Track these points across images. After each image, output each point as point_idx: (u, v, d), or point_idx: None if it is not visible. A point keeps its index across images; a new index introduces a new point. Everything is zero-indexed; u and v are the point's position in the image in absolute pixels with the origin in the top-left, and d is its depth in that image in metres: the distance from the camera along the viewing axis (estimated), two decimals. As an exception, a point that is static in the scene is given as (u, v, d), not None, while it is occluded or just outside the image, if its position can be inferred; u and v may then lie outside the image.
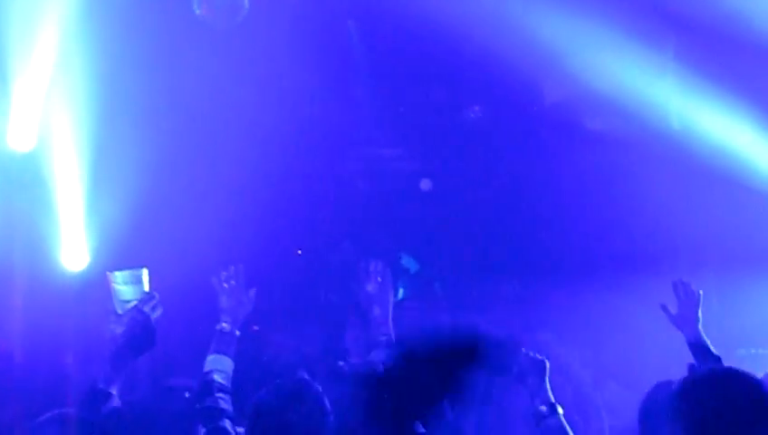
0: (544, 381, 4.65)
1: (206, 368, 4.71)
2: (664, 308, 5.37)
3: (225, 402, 4.60)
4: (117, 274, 3.85)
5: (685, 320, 5.31)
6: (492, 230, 9.38)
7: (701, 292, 5.34)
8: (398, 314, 8.52)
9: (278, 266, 9.15)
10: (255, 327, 8.39)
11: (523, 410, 4.81)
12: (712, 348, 5.23)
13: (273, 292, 8.80)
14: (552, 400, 4.55)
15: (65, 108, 7.10)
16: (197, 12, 7.58)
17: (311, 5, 8.38)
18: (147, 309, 3.82)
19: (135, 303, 3.85)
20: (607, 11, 8.05)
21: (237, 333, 4.83)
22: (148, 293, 3.86)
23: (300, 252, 9.40)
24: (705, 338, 5.27)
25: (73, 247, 7.48)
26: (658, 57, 8.63)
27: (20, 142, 7.37)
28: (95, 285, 7.36)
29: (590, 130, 8.73)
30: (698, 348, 5.21)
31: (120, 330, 3.79)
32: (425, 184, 9.48)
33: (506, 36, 8.14)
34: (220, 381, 4.65)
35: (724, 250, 8.22)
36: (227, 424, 4.52)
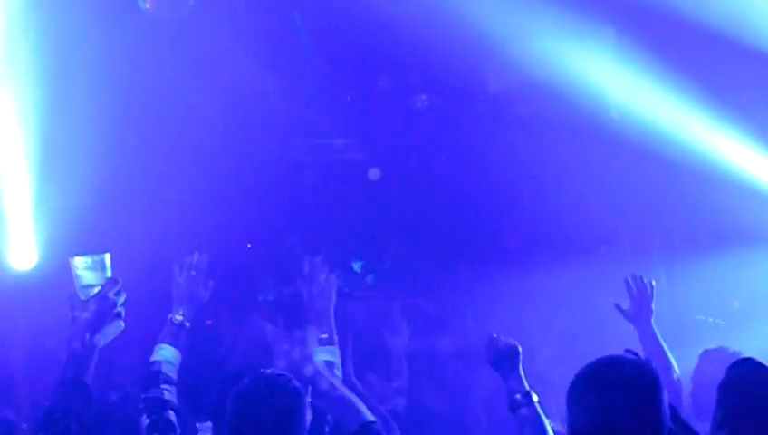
0: (518, 368, 4.72)
1: (153, 358, 4.70)
2: (617, 307, 5.47)
3: (169, 394, 4.58)
4: (79, 259, 3.81)
5: (637, 314, 5.39)
6: (440, 218, 9.44)
7: (653, 283, 5.42)
8: (349, 304, 8.64)
9: (225, 259, 9.11)
10: (208, 322, 8.38)
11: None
12: (662, 342, 5.36)
13: (220, 285, 8.76)
14: (527, 388, 4.60)
15: (10, 102, 7.00)
16: (143, 6, 7.53)
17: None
18: (111, 295, 3.74)
19: (98, 289, 3.79)
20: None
21: (188, 324, 4.81)
22: (111, 278, 3.81)
23: (249, 245, 9.37)
24: (657, 332, 5.38)
25: (21, 246, 7.39)
26: (599, 44, 8.74)
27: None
28: (44, 283, 7.34)
29: (534, 118, 8.81)
30: (648, 339, 5.31)
31: (85, 316, 3.69)
32: (373, 173, 9.49)
33: (450, 24, 8.18)
34: (166, 372, 4.63)
35: (668, 232, 8.39)
36: (171, 415, 4.51)
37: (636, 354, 4.42)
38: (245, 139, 9.05)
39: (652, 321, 5.39)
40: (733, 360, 3.88)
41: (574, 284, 8.23)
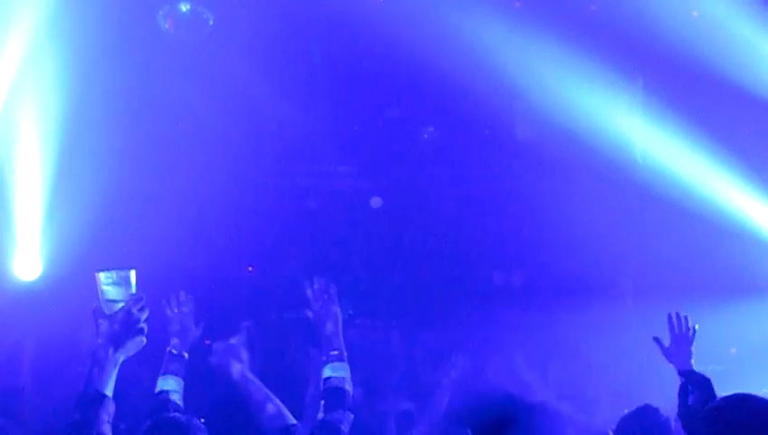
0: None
1: (159, 388, 4.87)
2: (657, 341, 5.35)
3: None
4: (103, 274, 3.86)
5: (677, 354, 5.28)
6: (440, 250, 9.49)
7: (696, 326, 5.36)
8: (349, 332, 8.67)
9: (227, 281, 9.16)
10: (207, 341, 8.39)
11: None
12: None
13: (220, 307, 8.81)
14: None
15: (27, 114, 7.07)
16: (163, 26, 7.62)
17: (272, 21, 8.43)
18: (135, 311, 3.80)
19: (122, 304, 3.85)
20: (578, 46, 8.24)
21: (186, 355, 5.00)
22: (135, 294, 3.87)
23: (251, 269, 9.41)
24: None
25: (28, 256, 7.44)
26: (627, 93, 8.84)
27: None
28: (49, 294, 7.38)
29: (546, 156, 8.88)
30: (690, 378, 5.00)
31: (110, 330, 3.73)
32: (375, 202, 9.55)
33: (464, 60, 8.28)
34: (176, 400, 4.82)
35: (677, 278, 8.41)
36: None
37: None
38: (251, 162, 9.12)
39: (692, 363, 5.27)
40: None
41: (575, 327, 8.27)
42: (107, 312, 3.77)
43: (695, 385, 4.87)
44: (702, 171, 8.39)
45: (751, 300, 8.01)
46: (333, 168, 9.78)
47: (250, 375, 4.77)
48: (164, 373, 4.92)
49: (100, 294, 3.82)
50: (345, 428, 4.58)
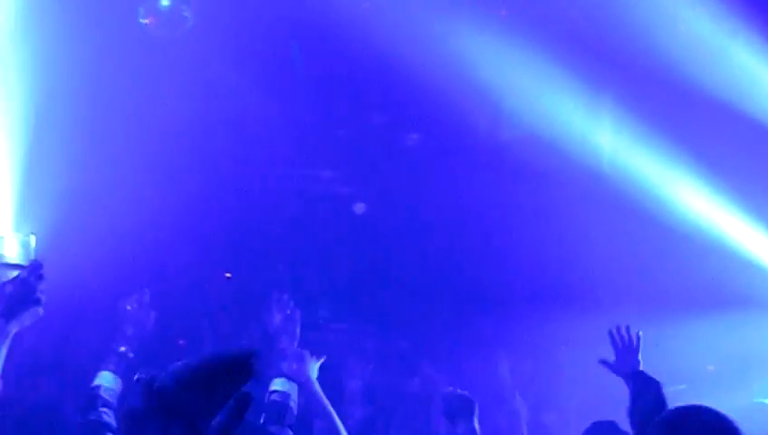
0: (472, 420, 4.76)
1: (95, 383, 4.77)
2: (602, 362, 5.13)
3: (108, 417, 4.63)
4: (1, 236, 3.65)
5: (625, 365, 5.06)
6: (422, 256, 9.45)
7: (641, 333, 5.14)
8: (324, 336, 8.62)
9: (206, 285, 9.12)
10: (181, 342, 8.35)
11: None
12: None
13: (199, 313, 8.77)
14: None
15: (1, 107, 7.02)
16: (142, 21, 7.59)
17: (255, 23, 8.41)
18: (32, 279, 3.52)
19: (19, 270, 3.61)
20: (548, 56, 8.24)
21: (131, 355, 4.88)
22: (35, 260, 3.63)
23: (229, 275, 9.34)
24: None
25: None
26: (594, 101, 8.84)
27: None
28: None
29: (524, 164, 8.87)
30: (638, 392, 4.89)
31: (0, 297, 3.47)
32: (359, 208, 9.52)
33: (448, 70, 8.27)
34: (105, 396, 4.69)
35: (646, 288, 8.39)
36: None
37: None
38: (233, 164, 9.09)
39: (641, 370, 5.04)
40: None
41: (550, 334, 8.23)
42: (2, 279, 3.55)
43: (643, 386, 4.80)
44: (674, 181, 8.37)
45: (726, 313, 7.95)
46: (317, 172, 9.75)
47: (316, 385, 4.76)
48: (104, 369, 4.80)
49: None
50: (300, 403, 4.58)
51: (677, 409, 3.45)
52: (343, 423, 6.20)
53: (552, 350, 8.37)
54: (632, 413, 4.62)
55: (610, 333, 5.15)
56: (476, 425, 4.79)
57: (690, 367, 8.12)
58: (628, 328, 5.13)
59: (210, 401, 2.22)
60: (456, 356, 8.32)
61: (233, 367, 2.30)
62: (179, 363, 2.57)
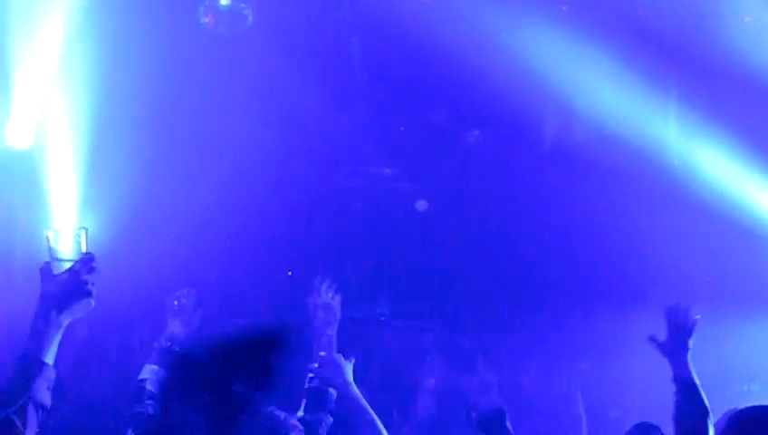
0: (506, 429, 4.71)
1: (141, 376, 4.88)
2: (651, 339, 4.90)
3: (153, 409, 4.70)
4: (53, 231, 3.66)
5: (674, 349, 4.83)
6: (484, 253, 9.38)
7: (698, 317, 4.88)
8: (385, 333, 8.62)
9: (270, 283, 9.17)
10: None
11: None
12: (697, 381, 4.78)
13: (259, 308, 8.83)
14: None
15: (65, 107, 7.15)
16: (203, 20, 7.65)
17: (315, 21, 8.44)
18: (84, 272, 3.48)
19: (71, 264, 3.50)
20: (613, 51, 8.12)
21: (177, 349, 4.94)
22: (86, 253, 3.54)
23: (290, 273, 9.38)
24: (693, 370, 4.81)
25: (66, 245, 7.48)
26: (661, 97, 8.69)
27: (19, 139, 7.43)
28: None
29: (588, 162, 8.75)
30: (682, 382, 4.75)
31: (54, 291, 3.41)
32: (421, 205, 9.49)
33: (510, 64, 8.20)
34: (151, 389, 4.78)
35: (715, 287, 8.22)
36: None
37: None
38: (296, 162, 9.12)
39: (689, 358, 4.80)
40: None
41: (618, 332, 8.11)
42: (55, 272, 3.49)
43: (686, 392, 4.62)
44: (739, 179, 8.19)
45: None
46: (379, 170, 9.74)
47: (353, 387, 4.74)
48: (151, 362, 4.93)
49: (49, 253, 3.62)
50: (323, 430, 4.59)
51: (754, 407, 3.33)
52: (407, 421, 6.22)
53: (619, 348, 8.25)
54: (676, 419, 4.50)
55: (667, 310, 4.90)
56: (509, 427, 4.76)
57: (756, 366, 7.95)
58: (687, 309, 4.89)
59: (239, 372, 2.21)
60: (516, 356, 8.26)
61: (266, 339, 2.28)
62: (212, 334, 2.56)
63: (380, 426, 4.49)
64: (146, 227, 7.50)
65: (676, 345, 4.80)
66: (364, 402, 4.62)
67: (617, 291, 8.58)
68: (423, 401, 6.86)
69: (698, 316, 4.87)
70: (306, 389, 4.75)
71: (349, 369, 4.79)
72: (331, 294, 5.13)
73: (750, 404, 5.56)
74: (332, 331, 5.02)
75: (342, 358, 4.84)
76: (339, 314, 5.09)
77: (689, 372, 4.76)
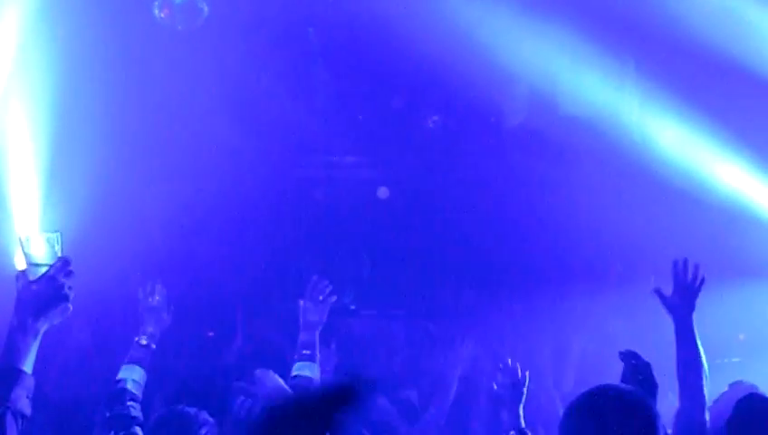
0: (518, 406, 4.76)
1: (119, 376, 4.87)
2: (658, 293, 4.91)
3: (135, 410, 4.74)
4: (28, 236, 3.59)
5: (679, 305, 4.83)
6: (449, 239, 9.41)
7: (705, 277, 4.87)
8: (353, 322, 8.62)
9: (233, 272, 9.13)
10: (210, 333, 8.39)
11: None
12: (699, 344, 4.83)
13: (224, 299, 8.80)
14: (523, 425, 4.63)
15: (23, 106, 7.04)
16: (157, 14, 7.58)
17: (272, 12, 8.39)
18: (60, 276, 3.44)
19: (46, 268, 3.45)
20: (570, 27, 8.15)
21: (153, 346, 5.01)
22: (61, 258, 3.49)
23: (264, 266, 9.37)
24: (696, 332, 4.83)
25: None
26: (620, 74, 8.74)
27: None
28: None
29: (549, 142, 8.79)
30: (684, 335, 4.78)
31: (30, 297, 3.36)
32: (382, 192, 9.49)
33: (467, 50, 8.21)
34: (132, 389, 4.80)
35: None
36: (138, 431, 4.66)
37: (636, 356, 4.31)
38: (257, 152, 9.08)
39: (693, 317, 4.83)
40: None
41: (583, 308, 8.18)
42: (31, 277, 3.45)
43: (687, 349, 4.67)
44: (701, 153, 8.26)
45: (756, 285, 7.86)
46: (339, 158, 9.73)
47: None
48: (128, 362, 4.93)
49: (25, 258, 3.55)
50: None
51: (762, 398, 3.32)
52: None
53: (582, 326, 8.32)
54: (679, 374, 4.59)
55: (675, 265, 4.90)
56: (521, 412, 4.79)
57: (722, 337, 8.04)
58: (696, 266, 4.89)
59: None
60: (484, 341, 8.29)
61: (333, 400, 2.28)
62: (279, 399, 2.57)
63: None
64: (109, 225, 7.42)
65: (682, 303, 4.82)
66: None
67: (582, 271, 8.65)
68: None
69: (705, 275, 4.86)
70: (289, 386, 4.74)
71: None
72: (321, 297, 5.17)
73: (729, 378, 5.68)
74: (318, 330, 5.06)
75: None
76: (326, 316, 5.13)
77: (692, 332, 4.80)
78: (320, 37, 8.94)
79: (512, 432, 4.64)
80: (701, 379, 4.76)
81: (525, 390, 4.96)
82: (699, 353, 4.76)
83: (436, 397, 6.82)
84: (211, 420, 4.34)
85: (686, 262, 4.89)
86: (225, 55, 8.17)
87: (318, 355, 5.03)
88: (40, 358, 3.49)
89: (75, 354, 7.44)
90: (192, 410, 4.40)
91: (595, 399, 3.20)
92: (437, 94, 9.15)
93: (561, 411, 5.99)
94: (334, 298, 5.34)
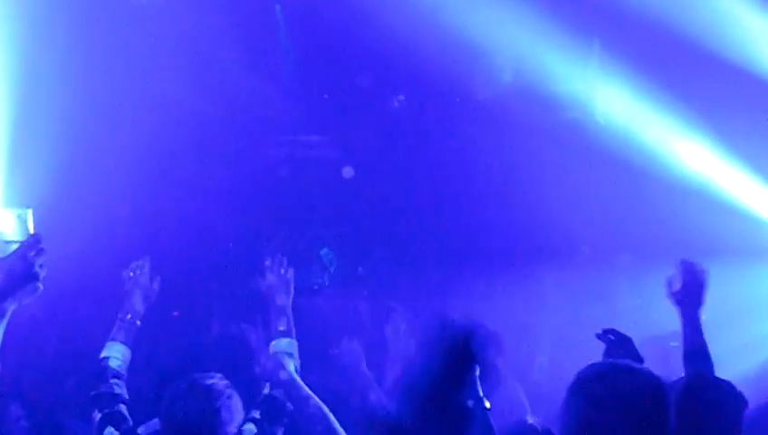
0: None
1: (103, 354, 4.82)
2: (669, 283, 5.02)
3: (119, 388, 4.70)
4: None
5: (686, 299, 4.94)
6: (413, 218, 9.42)
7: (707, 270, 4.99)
8: (318, 302, 8.59)
9: (197, 250, 9.08)
10: (175, 313, 8.32)
11: None
12: (704, 335, 4.91)
13: (196, 280, 8.75)
14: (481, 394, 4.58)
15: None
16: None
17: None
18: (31, 254, 3.40)
19: (17, 246, 3.41)
20: (534, 6, 8.15)
21: (138, 323, 4.94)
22: (32, 235, 3.45)
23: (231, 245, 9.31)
24: (702, 325, 4.92)
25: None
26: (583, 51, 8.76)
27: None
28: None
29: (514, 122, 8.80)
30: (692, 328, 4.88)
31: None
32: (347, 172, 9.47)
33: (432, 28, 8.18)
34: (115, 367, 4.75)
35: (641, 242, 8.37)
36: (123, 408, 4.63)
37: (614, 332, 4.32)
38: (220, 132, 9.03)
39: (700, 312, 4.94)
40: None
41: (550, 288, 8.23)
42: (1, 255, 3.41)
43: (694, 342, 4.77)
44: (662, 131, 8.32)
45: (715, 265, 7.93)
46: (304, 137, 9.69)
47: (299, 382, 4.62)
48: (111, 339, 4.87)
49: None
50: (290, 403, 4.53)
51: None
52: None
53: (542, 301, 8.36)
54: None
55: (683, 262, 5.02)
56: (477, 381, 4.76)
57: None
58: (698, 263, 5.03)
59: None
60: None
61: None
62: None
63: (333, 422, 4.39)
64: (77, 202, 7.33)
65: (689, 297, 4.95)
66: (315, 398, 4.46)
67: (542, 246, 8.68)
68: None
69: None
70: (261, 400, 4.64)
71: (290, 364, 4.73)
72: (282, 270, 5.09)
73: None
74: (288, 306, 4.99)
75: (285, 356, 4.74)
76: (292, 289, 5.06)
77: (700, 326, 4.91)
78: (286, 14, 8.87)
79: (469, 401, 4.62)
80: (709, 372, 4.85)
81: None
82: (706, 346, 4.87)
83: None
84: (229, 389, 4.21)
85: (694, 264, 5.04)
86: (189, 32, 8.08)
87: (294, 330, 4.95)
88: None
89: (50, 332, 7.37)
90: (209, 380, 4.21)
91: (605, 372, 3.21)
92: (403, 73, 9.12)
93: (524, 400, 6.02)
94: (292, 271, 5.23)
